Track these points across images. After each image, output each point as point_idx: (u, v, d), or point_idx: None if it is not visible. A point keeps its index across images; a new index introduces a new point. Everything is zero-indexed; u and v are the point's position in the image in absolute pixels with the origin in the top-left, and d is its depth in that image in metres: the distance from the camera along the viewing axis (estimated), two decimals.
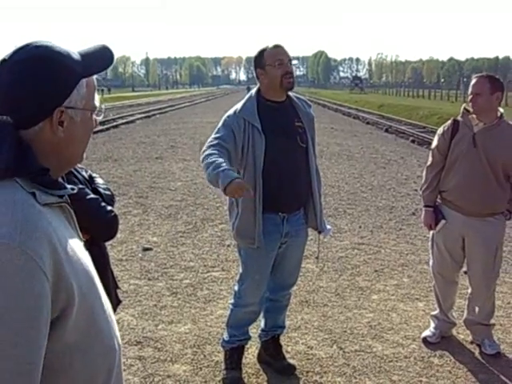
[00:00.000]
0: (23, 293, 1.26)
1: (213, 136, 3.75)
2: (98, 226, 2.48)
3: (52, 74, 1.41)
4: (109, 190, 2.74)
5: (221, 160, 3.46)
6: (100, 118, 1.58)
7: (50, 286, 1.29)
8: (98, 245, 2.63)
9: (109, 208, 2.58)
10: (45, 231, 1.33)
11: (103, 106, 1.60)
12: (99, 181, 2.74)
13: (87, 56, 1.50)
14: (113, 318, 1.58)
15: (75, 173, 2.55)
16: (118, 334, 1.58)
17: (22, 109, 1.40)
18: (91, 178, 2.72)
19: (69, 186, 1.51)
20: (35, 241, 1.29)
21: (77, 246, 1.47)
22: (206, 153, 3.59)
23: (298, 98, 4.02)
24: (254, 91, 3.92)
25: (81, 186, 2.49)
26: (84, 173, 2.69)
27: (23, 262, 1.26)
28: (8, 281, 1.25)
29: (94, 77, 1.53)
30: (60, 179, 1.53)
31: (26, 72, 1.40)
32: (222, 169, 3.37)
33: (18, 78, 1.40)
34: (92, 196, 2.52)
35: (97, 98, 1.55)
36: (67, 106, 1.43)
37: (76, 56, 1.47)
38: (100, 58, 1.52)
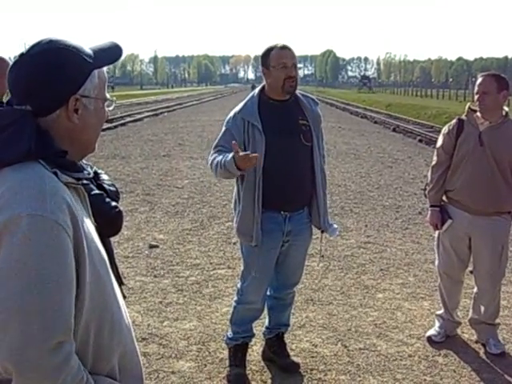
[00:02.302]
0: (59, 259, 1.40)
1: (213, 145, 3.89)
2: (102, 221, 2.49)
3: (66, 64, 1.54)
4: (114, 186, 2.75)
5: (221, 156, 3.67)
6: (111, 109, 1.72)
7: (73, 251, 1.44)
8: (102, 241, 2.63)
9: (113, 204, 2.59)
10: (69, 205, 1.46)
11: (114, 98, 1.73)
12: (104, 177, 2.75)
13: (98, 50, 1.63)
14: (121, 299, 1.69)
15: (90, 172, 2.56)
16: (125, 315, 1.68)
17: (40, 98, 1.52)
18: (96, 175, 2.72)
19: (85, 171, 1.66)
20: (63, 212, 1.43)
21: (91, 227, 1.60)
22: (211, 160, 3.80)
23: (304, 95, 4.00)
24: (257, 89, 3.93)
25: (85, 182, 2.50)
26: (89, 169, 2.70)
27: (56, 232, 1.40)
28: (45, 249, 1.38)
29: (105, 70, 1.65)
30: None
31: (42, 64, 1.52)
32: (223, 158, 3.61)
33: (35, 70, 1.52)
34: (96, 192, 2.53)
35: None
36: (81, 95, 1.56)
37: (87, 50, 1.60)
38: (110, 52, 1.66)
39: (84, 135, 1.62)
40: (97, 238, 1.62)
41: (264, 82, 3.92)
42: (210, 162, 3.82)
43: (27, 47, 1.59)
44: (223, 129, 3.88)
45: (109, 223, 2.57)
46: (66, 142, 1.56)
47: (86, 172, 1.66)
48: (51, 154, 1.51)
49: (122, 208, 2.71)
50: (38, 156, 1.49)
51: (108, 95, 1.68)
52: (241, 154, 3.44)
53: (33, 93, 1.53)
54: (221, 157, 3.66)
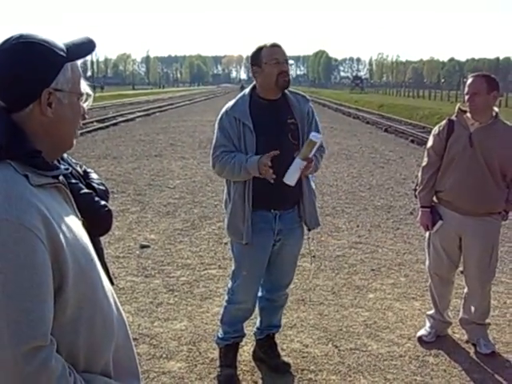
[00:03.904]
0: (26, 264, 1.37)
1: (214, 145, 3.87)
2: (91, 220, 2.48)
3: (36, 58, 1.53)
4: (103, 185, 2.73)
5: (239, 157, 3.73)
6: (87, 104, 1.68)
7: (48, 255, 1.40)
8: (92, 240, 2.62)
9: (102, 203, 2.57)
10: (38, 207, 1.42)
11: (90, 93, 1.70)
12: (94, 176, 2.74)
13: (71, 44, 1.61)
14: (112, 293, 1.68)
15: (69, 167, 2.55)
16: (118, 310, 1.69)
17: (12, 92, 1.51)
18: (86, 173, 2.71)
19: (62, 166, 1.63)
20: (30, 215, 1.39)
21: (73, 224, 1.57)
22: (221, 160, 3.78)
23: (293, 93, 4.00)
24: (248, 89, 3.95)
25: (74, 181, 2.49)
26: (78, 168, 2.69)
27: (23, 235, 1.37)
28: (12, 254, 1.36)
29: (79, 63, 1.64)
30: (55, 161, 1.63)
31: (12, 59, 1.51)
32: (244, 160, 3.69)
33: (5, 64, 1.51)
34: (85, 191, 2.52)
35: (84, 84, 1.63)
36: (55, 88, 1.54)
37: (59, 44, 1.59)
38: (83, 46, 1.64)
39: (60, 129, 1.59)
40: (81, 234, 1.59)
41: (254, 82, 3.93)
42: (218, 161, 3.79)
43: None
44: (217, 128, 3.88)
45: (98, 222, 2.56)
46: (42, 138, 1.55)
47: (62, 168, 1.64)
48: (23, 154, 1.49)
49: (111, 207, 2.70)
50: (9, 157, 1.47)
51: (83, 90, 1.65)
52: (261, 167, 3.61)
53: (4, 88, 1.51)
54: (239, 157, 3.71)
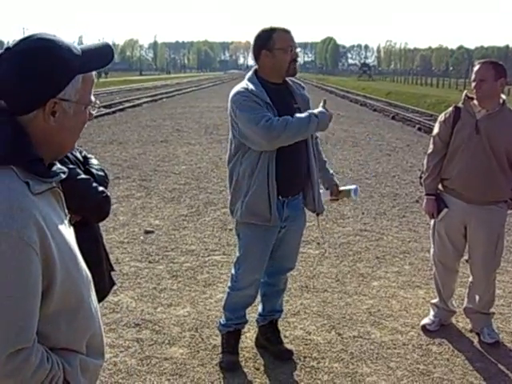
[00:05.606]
0: (21, 276, 1.42)
1: (255, 114, 3.61)
2: (88, 206, 2.46)
3: (48, 67, 1.49)
4: (102, 170, 2.72)
5: (304, 113, 3.75)
6: (94, 113, 1.65)
7: (40, 264, 1.45)
8: (90, 226, 2.61)
9: (100, 189, 2.55)
10: (36, 219, 1.45)
11: (98, 102, 1.66)
12: (93, 161, 2.72)
13: (88, 52, 1.57)
14: (92, 286, 1.72)
15: (65, 171, 2.54)
16: (94, 299, 1.73)
17: (17, 97, 1.49)
18: (86, 159, 2.70)
19: (60, 171, 1.62)
20: (29, 228, 1.42)
21: (63, 227, 1.59)
22: (276, 121, 3.58)
23: (291, 80, 3.97)
24: (251, 73, 3.85)
25: (71, 167, 2.47)
26: (78, 154, 2.67)
27: (21, 248, 1.41)
28: (8, 266, 1.41)
29: (93, 72, 1.60)
30: (56, 163, 1.64)
31: (23, 63, 1.48)
32: (312, 113, 3.75)
33: (16, 67, 1.48)
34: (83, 176, 2.50)
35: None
36: (61, 98, 1.51)
37: (76, 51, 1.54)
38: (100, 56, 1.60)
39: (60, 137, 1.57)
40: (68, 235, 1.62)
41: (256, 66, 3.85)
42: (275, 121, 3.57)
43: (14, 41, 1.53)
44: (247, 102, 3.66)
45: (95, 208, 2.55)
46: (41, 142, 1.53)
47: (60, 173, 1.62)
48: (27, 161, 1.48)
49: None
50: (12, 163, 1.47)
51: (93, 98, 1.61)
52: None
53: (10, 91, 1.49)
54: (305, 114, 3.72)
